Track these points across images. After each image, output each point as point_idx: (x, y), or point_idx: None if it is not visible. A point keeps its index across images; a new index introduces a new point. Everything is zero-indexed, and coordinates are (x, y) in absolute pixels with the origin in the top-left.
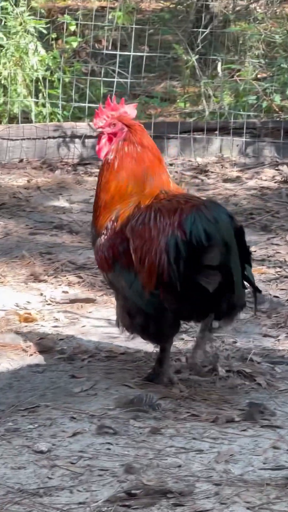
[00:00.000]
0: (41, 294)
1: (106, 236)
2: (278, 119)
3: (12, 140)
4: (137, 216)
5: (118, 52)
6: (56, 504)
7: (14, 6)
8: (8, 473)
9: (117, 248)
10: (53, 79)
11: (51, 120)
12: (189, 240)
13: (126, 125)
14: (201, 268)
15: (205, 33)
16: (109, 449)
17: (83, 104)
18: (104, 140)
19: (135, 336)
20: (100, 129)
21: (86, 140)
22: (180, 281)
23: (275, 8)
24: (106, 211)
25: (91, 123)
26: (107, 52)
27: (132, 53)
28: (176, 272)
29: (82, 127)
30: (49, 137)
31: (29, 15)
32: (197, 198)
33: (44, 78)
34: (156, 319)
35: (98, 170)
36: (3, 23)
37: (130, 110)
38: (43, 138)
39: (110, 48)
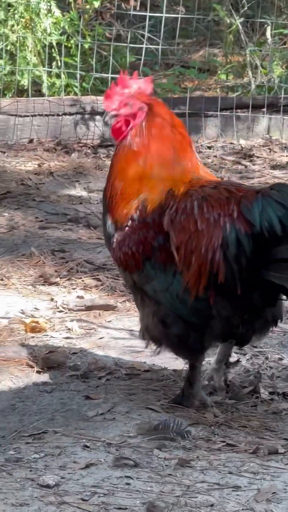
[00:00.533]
0: (52, 300)
1: (132, 229)
2: None
3: (20, 116)
4: (174, 205)
5: (148, 13)
6: None
7: None
8: (8, 511)
9: (150, 243)
10: (69, 45)
11: (67, 94)
12: (257, 232)
13: (145, 103)
14: (270, 264)
15: None
16: (128, 484)
17: (106, 75)
18: (119, 124)
19: (162, 349)
20: (113, 112)
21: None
22: (241, 281)
23: None
24: (125, 199)
25: None
26: (135, 13)
27: (164, 15)
28: (238, 271)
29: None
30: (64, 114)
31: None
32: (245, 185)
33: (58, 44)
34: (199, 329)
35: None
36: None
37: (144, 85)
38: (58, 115)
39: (139, 8)
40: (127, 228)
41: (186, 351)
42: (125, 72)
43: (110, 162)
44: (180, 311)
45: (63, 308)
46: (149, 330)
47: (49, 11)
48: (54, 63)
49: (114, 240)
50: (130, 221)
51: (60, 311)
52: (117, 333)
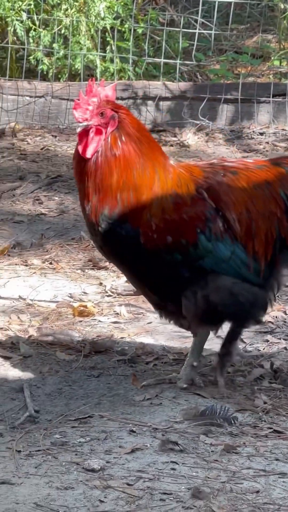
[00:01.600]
0: (100, 284)
1: (176, 210)
2: None
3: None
4: (215, 182)
5: None
6: None
7: None
8: (53, 494)
9: (200, 217)
10: (123, 29)
11: (119, 78)
12: None
13: (115, 111)
14: None
15: None
16: (174, 469)
17: (159, 60)
18: (92, 134)
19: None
20: (85, 123)
21: (161, 103)
22: None
23: None
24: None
25: (167, 83)
26: None
27: (218, 0)
28: None
29: (156, 86)
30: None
31: None
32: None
33: (112, 28)
34: (264, 288)
35: (174, 139)
36: None
37: (109, 92)
38: None
39: None
40: (166, 213)
41: (257, 312)
42: (93, 79)
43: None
44: (247, 276)
45: (112, 292)
46: (209, 310)
47: None
48: (107, 48)
49: (154, 229)
50: (170, 205)
51: (109, 296)
52: None
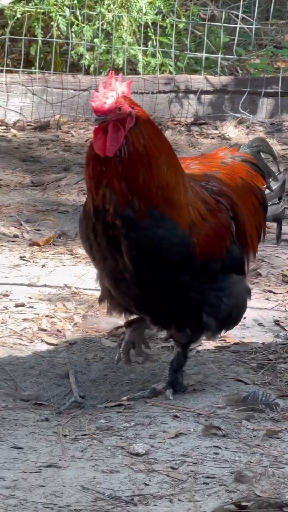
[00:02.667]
0: None
1: (219, 219)
2: None
3: None
4: (218, 184)
5: None
6: None
7: None
8: (98, 477)
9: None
10: (165, 24)
11: (161, 72)
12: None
13: (132, 107)
14: None
15: None
16: (217, 453)
17: (200, 54)
18: (110, 130)
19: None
20: (103, 117)
21: (203, 96)
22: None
23: None
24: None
25: (208, 77)
26: None
27: None
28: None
29: (198, 80)
30: (159, 92)
31: None
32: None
33: (154, 24)
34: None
35: (216, 131)
36: None
37: (125, 88)
38: (152, 93)
39: None
40: (205, 218)
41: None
42: (112, 73)
43: (203, 140)
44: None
45: None
46: (241, 305)
47: None
48: (149, 43)
49: (199, 237)
50: (213, 215)
51: None
52: None
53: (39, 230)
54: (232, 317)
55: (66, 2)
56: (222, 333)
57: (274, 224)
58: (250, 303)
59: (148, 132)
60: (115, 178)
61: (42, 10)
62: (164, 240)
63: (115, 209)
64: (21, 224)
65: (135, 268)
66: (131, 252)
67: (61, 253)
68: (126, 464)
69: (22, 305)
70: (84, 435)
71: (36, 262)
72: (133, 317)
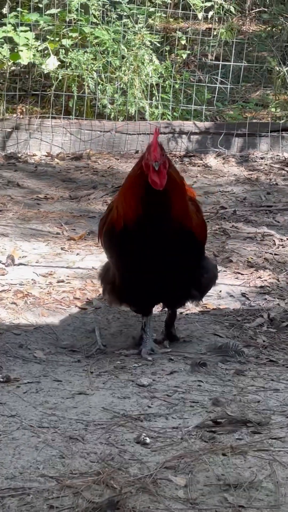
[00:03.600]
0: None
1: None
2: None
3: (130, 134)
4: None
5: (220, 62)
6: (154, 428)
7: (134, 23)
8: (115, 401)
9: None
10: (165, 85)
11: (162, 119)
12: None
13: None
14: None
15: None
16: (200, 385)
17: (190, 106)
18: (163, 171)
19: None
20: (161, 161)
21: (192, 136)
22: None
23: None
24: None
25: (196, 122)
26: (211, 62)
27: (232, 63)
28: None
29: (188, 125)
30: (161, 133)
31: (147, 31)
32: None
33: (157, 84)
34: None
35: (200, 161)
36: (125, 38)
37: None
38: None
39: (214, 59)
40: (201, 218)
41: None
42: (157, 130)
43: (192, 167)
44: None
45: None
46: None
47: (151, 60)
48: (154, 98)
49: (200, 230)
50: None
51: None
52: None
53: (74, 229)
54: (208, 287)
55: (95, 68)
56: (203, 300)
57: (242, 226)
58: (224, 280)
59: (175, 169)
60: (162, 204)
61: (77, 74)
62: (187, 244)
63: (156, 228)
64: (61, 225)
65: (166, 265)
66: (166, 254)
67: (90, 246)
68: (135, 393)
69: (62, 281)
70: (105, 372)
71: (72, 252)
72: (124, 306)
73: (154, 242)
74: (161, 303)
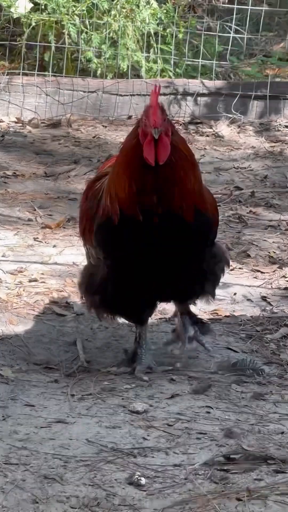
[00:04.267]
0: None
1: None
2: None
3: (121, 95)
4: None
5: (235, 6)
6: (150, 465)
7: None
8: (102, 432)
9: None
10: (165, 34)
11: (162, 77)
12: None
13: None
14: None
15: None
16: (208, 412)
17: (197, 61)
18: (163, 140)
19: None
20: (161, 128)
21: (199, 98)
22: None
23: None
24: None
25: (204, 81)
26: (224, 6)
27: (250, 7)
28: None
29: (195, 84)
30: (160, 94)
31: None
32: None
33: (156, 33)
34: None
35: (210, 130)
36: None
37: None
38: None
39: (227, 2)
40: (212, 199)
41: None
42: (157, 87)
43: (199, 137)
44: None
45: None
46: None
47: (148, 2)
48: (151, 50)
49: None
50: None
51: None
52: None
53: (51, 215)
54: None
55: (77, 12)
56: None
57: (262, 211)
58: (239, 280)
59: (181, 138)
60: (167, 184)
61: (55, 19)
62: (203, 231)
63: (165, 213)
64: (34, 210)
65: (178, 258)
66: (179, 245)
67: (70, 235)
68: (127, 421)
69: (35, 280)
70: (90, 394)
71: (48, 243)
72: (120, 319)
73: (164, 232)
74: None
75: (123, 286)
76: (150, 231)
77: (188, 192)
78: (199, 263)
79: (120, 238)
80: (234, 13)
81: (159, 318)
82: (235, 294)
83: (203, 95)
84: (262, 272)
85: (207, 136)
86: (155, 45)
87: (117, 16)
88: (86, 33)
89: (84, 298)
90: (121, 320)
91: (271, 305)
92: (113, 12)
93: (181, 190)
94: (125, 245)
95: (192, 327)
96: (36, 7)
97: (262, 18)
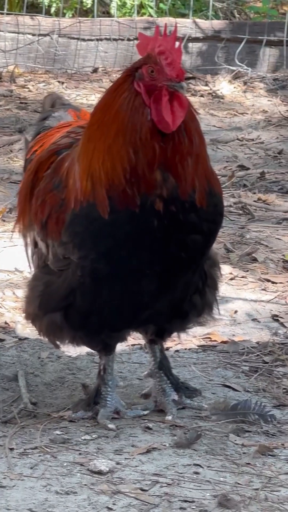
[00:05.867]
0: None
1: None
2: None
3: (84, 40)
4: None
5: None
6: None
7: None
8: (51, 499)
9: None
10: None
11: (140, 15)
12: None
13: None
14: None
15: None
16: (197, 473)
17: None
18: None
19: None
20: (184, 83)
21: (190, 44)
22: None
23: None
24: None
25: (198, 21)
26: None
27: None
28: None
29: (185, 25)
30: (136, 38)
31: None
32: None
33: None
34: None
35: (206, 88)
36: None
37: None
38: (128, 40)
39: None
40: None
41: None
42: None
43: (191, 97)
44: None
45: None
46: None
47: None
48: None
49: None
50: None
51: None
52: None
53: None
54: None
55: None
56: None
57: (275, 199)
58: (242, 293)
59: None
60: (180, 157)
61: None
62: (218, 216)
63: (173, 195)
64: None
65: (186, 252)
66: (189, 237)
67: (12, 231)
68: (85, 484)
69: None
70: (35, 448)
71: None
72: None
73: (170, 223)
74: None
75: (103, 297)
76: (150, 223)
77: (203, 164)
78: (201, 263)
79: (108, 233)
80: None
81: (132, 345)
82: (235, 312)
83: (196, 40)
84: (273, 283)
85: (201, 96)
86: None
87: None
88: None
89: (33, 318)
90: (79, 347)
91: (284, 327)
92: None
93: (196, 162)
94: (115, 242)
95: (173, 392)
96: None
97: None
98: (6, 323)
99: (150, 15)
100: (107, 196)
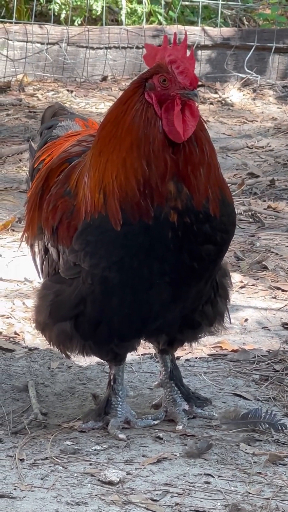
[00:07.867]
0: None
1: None
2: None
3: (92, 48)
4: None
5: None
6: None
7: None
8: (62, 511)
9: None
10: None
11: (149, 23)
12: None
13: None
14: None
15: None
16: (208, 482)
17: (197, 1)
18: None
19: None
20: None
21: (200, 52)
22: None
23: None
24: None
25: (207, 28)
26: None
27: None
28: None
29: (194, 32)
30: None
31: None
32: None
33: None
34: None
35: (215, 95)
36: None
37: None
38: (137, 48)
39: None
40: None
41: None
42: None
43: (200, 105)
44: None
45: None
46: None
47: None
48: None
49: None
50: None
51: None
52: None
53: None
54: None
55: None
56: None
57: (285, 207)
58: (252, 301)
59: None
60: (192, 168)
61: None
62: (230, 226)
63: (187, 206)
64: None
65: (198, 262)
66: (202, 247)
67: (20, 240)
68: (96, 495)
69: None
70: (45, 459)
71: None
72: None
73: (184, 233)
74: (156, 337)
75: (113, 306)
76: (164, 234)
77: (215, 173)
78: (213, 274)
79: (120, 244)
80: None
81: (142, 354)
82: (246, 320)
83: (205, 47)
84: (283, 290)
85: (211, 103)
86: None
87: None
88: None
89: (43, 327)
90: (88, 356)
91: None
92: None
93: (208, 171)
94: (127, 252)
95: (183, 402)
96: None
97: None
98: (16, 333)
99: (160, 23)
100: (120, 209)
